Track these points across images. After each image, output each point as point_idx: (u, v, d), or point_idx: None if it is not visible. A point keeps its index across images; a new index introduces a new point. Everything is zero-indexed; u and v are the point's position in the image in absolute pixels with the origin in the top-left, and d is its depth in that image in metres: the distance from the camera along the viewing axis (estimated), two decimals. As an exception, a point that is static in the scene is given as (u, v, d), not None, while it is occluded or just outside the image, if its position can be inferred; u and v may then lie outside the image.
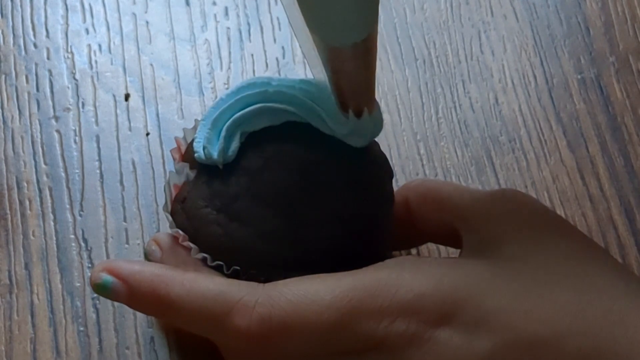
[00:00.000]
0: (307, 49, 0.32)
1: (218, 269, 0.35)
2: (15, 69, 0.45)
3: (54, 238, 0.41)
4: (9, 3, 0.47)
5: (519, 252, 0.33)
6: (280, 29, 0.47)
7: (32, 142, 0.43)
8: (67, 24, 0.46)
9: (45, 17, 0.46)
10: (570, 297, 0.31)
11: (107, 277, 0.35)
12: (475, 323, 0.31)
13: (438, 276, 0.32)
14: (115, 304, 0.39)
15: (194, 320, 0.34)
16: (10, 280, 0.40)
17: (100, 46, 0.46)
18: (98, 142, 0.44)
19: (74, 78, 0.45)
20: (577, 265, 0.32)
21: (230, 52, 0.46)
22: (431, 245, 0.41)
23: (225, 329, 0.33)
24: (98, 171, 0.43)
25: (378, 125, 0.36)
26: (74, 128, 0.44)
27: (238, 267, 0.35)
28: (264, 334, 0.32)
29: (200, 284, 0.34)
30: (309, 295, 0.32)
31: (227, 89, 0.45)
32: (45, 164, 0.43)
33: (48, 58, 0.45)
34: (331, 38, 0.30)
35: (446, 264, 0.33)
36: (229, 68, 0.46)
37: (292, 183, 0.35)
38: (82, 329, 0.39)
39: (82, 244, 0.41)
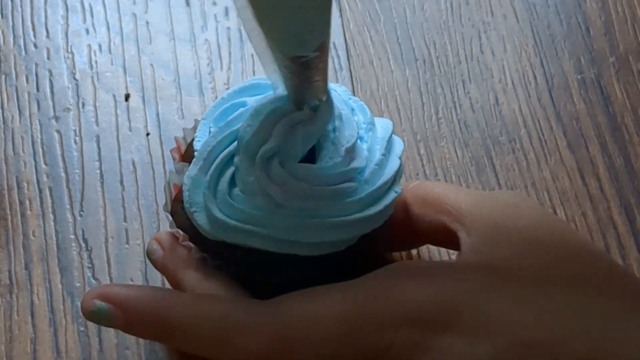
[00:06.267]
0: (260, 51, 0.32)
1: (218, 269, 0.35)
2: (15, 69, 0.45)
3: (54, 238, 0.41)
4: (9, 3, 0.47)
5: (517, 254, 0.32)
6: (280, 29, 0.47)
7: (32, 142, 0.43)
8: (67, 24, 0.46)
9: (46, 17, 0.46)
10: (569, 299, 0.31)
11: (101, 304, 0.34)
12: (477, 328, 0.31)
13: (438, 283, 0.32)
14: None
15: (198, 343, 0.33)
16: (10, 280, 0.40)
17: (100, 46, 0.46)
18: (98, 142, 0.44)
19: (74, 78, 0.45)
20: (576, 267, 0.32)
21: (230, 52, 0.46)
22: (430, 246, 0.41)
23: (232, 350, 0.32)
24: (98, 171, 0.43)
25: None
26: (74, 128, 0.44)
27: (238, 267, 0.35)
28: (274, 353, 0.32)
29: (203, 305, 0.33)
30: (316, 310, 0.32)
31: (227, 89, 0.45)
32: (46, 164, 0.43)
33: (48, 58, 0.45)
34: (289, 50, 0.30)
35: (445, 269, 0.33)
36: (229, 68, 0.46)
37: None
38: (82, 329, 0.39)
39: (82, 244, 0.41)
